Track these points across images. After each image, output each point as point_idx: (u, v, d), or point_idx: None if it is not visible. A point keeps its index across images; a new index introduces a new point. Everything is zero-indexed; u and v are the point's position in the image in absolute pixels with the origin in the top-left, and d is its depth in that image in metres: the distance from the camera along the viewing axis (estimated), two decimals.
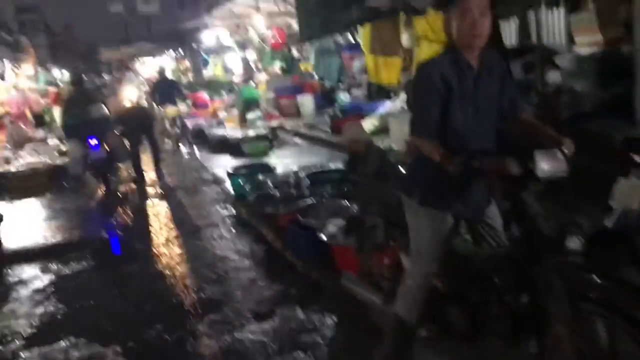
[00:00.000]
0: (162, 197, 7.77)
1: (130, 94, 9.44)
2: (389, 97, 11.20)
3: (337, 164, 6.99)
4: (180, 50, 20.06)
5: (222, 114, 14.88)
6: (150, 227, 6.42)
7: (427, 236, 2.61)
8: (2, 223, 6.10)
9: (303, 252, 4.54)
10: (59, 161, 9.79)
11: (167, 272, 4.86)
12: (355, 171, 5.53)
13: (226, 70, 22.37)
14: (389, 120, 7.97)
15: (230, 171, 7.09)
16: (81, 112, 8.07)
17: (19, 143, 11.77)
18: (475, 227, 2.70)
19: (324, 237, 4.17)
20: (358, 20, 7.04)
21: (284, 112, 13.37)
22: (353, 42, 13.61)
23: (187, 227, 6.17)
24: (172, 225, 6.34)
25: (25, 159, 10.20)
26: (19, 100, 15.00)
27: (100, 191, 8.50)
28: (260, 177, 6.62)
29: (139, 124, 8.71)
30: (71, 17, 59.01)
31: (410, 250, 2.74)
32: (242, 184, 6.52)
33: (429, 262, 2.63)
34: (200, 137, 12.11)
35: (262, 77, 16.48)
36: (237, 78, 18.21)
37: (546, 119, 4.24)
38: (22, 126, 12.97)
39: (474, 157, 2.29)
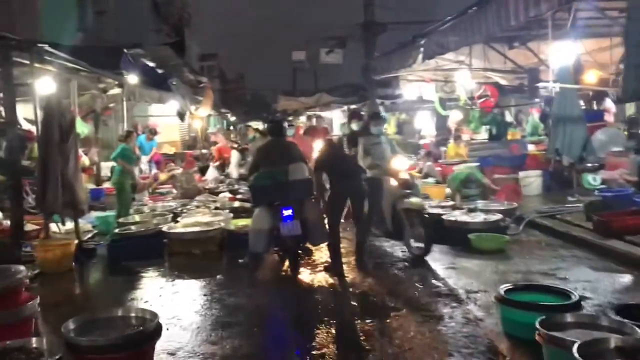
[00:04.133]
0: (366, 305, 5.23)
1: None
2: None
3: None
4: (358, 104, 18.24)
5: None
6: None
7: None
8: (159, 337, 3.86)
9: None
10: (232, 226, 7.79)
11: None
12: None
13: (400, 131, 20.15)
14: None
15: (501, 294, 4.42)
16: (278, 172, 5.99)
17: (188, 194, 10.19)
18: None
19: None
20: None
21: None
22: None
23: None
24: None
25: (193, 216, 8.39)
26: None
27: (284, 273, 6.33)
28: (570, 318, 3.88)
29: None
30: (246, 65, 61.35)
31: None
32: (521, 322, 3.86)
33: None
34: None
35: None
36: (425, 140, 15.86)
37: None
38: (193, 174, 11.48)
39: None
